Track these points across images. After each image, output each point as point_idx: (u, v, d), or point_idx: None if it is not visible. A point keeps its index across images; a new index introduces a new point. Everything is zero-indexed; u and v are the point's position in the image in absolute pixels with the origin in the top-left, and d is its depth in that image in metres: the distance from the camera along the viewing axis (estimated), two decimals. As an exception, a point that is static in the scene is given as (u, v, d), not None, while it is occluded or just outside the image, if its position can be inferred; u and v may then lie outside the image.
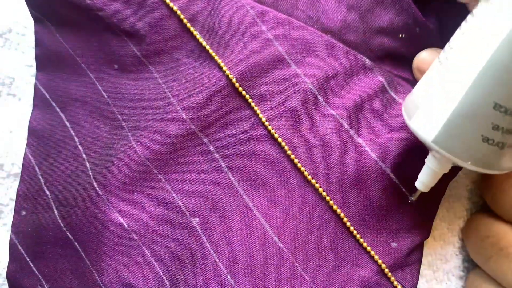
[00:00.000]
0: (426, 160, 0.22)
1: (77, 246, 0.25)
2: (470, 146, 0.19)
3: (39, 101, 0.27)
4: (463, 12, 0.24)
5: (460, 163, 0.20)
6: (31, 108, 0.28)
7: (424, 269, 0.27)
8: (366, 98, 0.25)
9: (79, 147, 0.26)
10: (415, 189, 0.24)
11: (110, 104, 0.26)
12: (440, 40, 0.25)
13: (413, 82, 0.26)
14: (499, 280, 0.23)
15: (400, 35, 0.25)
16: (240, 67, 0.26)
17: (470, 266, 0.27)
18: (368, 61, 0.26)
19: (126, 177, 0.25)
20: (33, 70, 0.28)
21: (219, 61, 0.26)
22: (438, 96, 0.20)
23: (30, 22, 0.29)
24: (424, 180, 0.23)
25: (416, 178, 0.25)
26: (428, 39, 0.25)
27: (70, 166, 0.26)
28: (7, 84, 0.28)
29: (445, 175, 0.25)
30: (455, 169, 0.25)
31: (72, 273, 0.25)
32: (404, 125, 0.25)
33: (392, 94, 0.26)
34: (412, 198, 0.24)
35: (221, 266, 0.24)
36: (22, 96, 0.28)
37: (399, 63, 0.26)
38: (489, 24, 0.18)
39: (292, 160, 0.25)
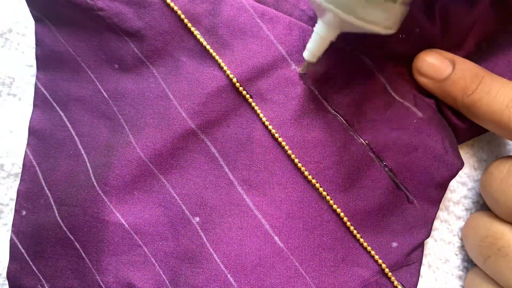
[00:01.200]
0: (314, 28, 0.23)
1: (77, 246, 0.25)
2: None
3: (39, 100, 0.27)
4: (467, 11, 0.24)
5: (327, 7, 0.20)
6: (31, 108, 0.28)
7: (424, 269, 0.27)
8: (367, 98, 0.25)
9: (80, 146, 0.26)
10: (415, 190, 0.24)
11: (110, 104, 0.26)
12: (441, 40, 0.25)
13: (413, 82, 0.26)
14: (497, 279, 0.23)
15: (400, 35, 0.25)
16: (240, 67, 0.26)
17: (470, 266, 0.27)
18: (368, 61, 0.26)
19: (126, 176, 0.25)
20: (33, 70, 0.28)
21: (220, 61, 0.26)
22: None
23: (30, 22, 0.29)
24: (311, 48, 0.23)
25: (416, 177, 0.25)
26: (429, 39, 0.25)
27: (71, 166, 0.26)
28: (7, 84, 0.28)
29: (447, 174, 0.25)
30: (456, 169, 0.25)
31: (72, 273, 0.25)
32: (405, 125, 0.25)
33: (393, 94, 0.26)
34: (300, 70, 0.24)
35: (221, 265, 0.24)
36: (22, 96, 0.28)
37: (401, 64, 0.26)
38: None
39: (292, 160, 0.25)
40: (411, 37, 0.25)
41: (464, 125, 0.25)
